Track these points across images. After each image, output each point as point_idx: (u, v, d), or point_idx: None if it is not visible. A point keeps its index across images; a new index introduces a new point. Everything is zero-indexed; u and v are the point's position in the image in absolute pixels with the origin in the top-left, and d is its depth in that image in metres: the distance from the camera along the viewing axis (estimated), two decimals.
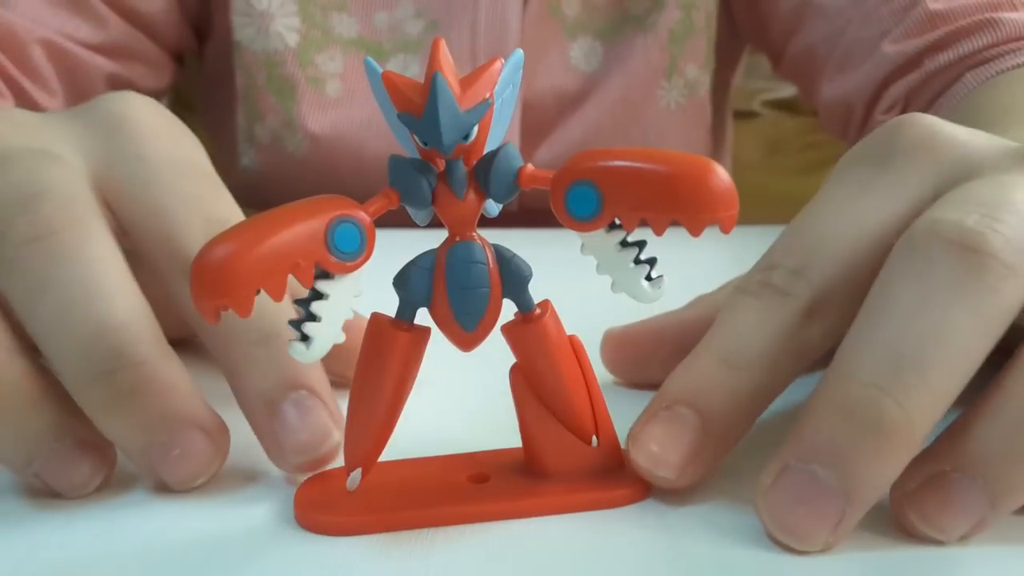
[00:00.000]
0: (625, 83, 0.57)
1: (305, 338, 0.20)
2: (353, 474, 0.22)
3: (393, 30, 0.56)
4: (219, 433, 0.23)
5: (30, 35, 0.48)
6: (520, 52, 0.21)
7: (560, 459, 0.23)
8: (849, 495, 0.20)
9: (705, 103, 0.59)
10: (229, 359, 0.24)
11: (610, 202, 0.20)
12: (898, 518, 0.21)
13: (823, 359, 0.22)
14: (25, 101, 0.48)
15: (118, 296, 0.23)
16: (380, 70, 0.20)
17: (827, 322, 0.23)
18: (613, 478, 0.23)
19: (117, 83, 0.53)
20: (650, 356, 0.28)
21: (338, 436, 0.23)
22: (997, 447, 0.20)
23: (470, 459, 0.24)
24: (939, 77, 0.47)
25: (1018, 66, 0.45)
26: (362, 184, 0.57)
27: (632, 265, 0.21)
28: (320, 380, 0.24)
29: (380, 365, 0.21)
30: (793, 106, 1.00)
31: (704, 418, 0.22)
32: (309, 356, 0.20)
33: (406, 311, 0.22)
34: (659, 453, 0.22)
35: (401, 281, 0.21)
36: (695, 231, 0.20)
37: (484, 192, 0.21)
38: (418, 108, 0.19)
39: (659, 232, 0.20)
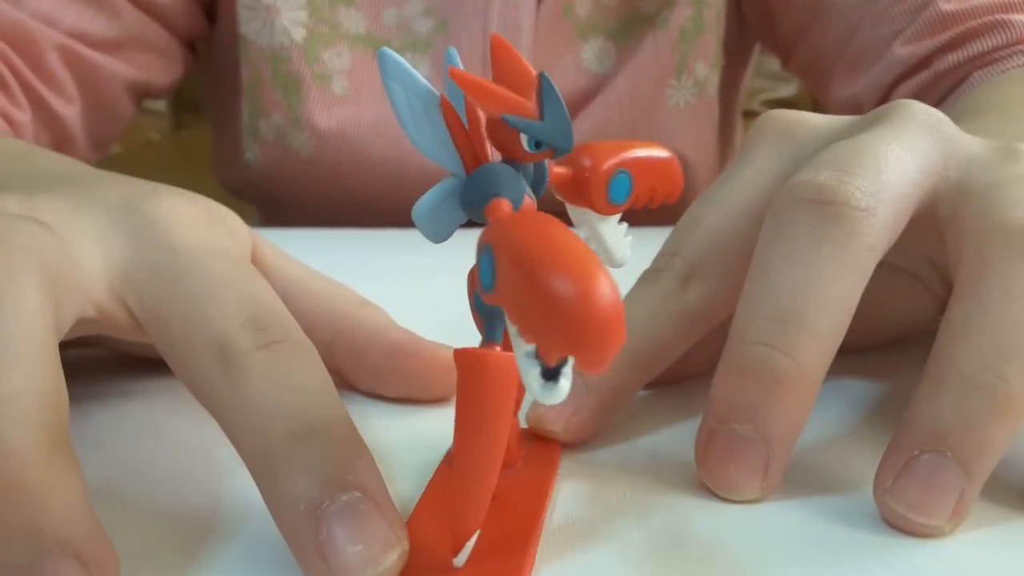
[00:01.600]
0: (634, 82, 0.57)
1: (555, 378, 0.17)
2: (467, 546, 0.20)
3: (402, 28, 0.55)
4: (99, 565, 0.17)
5: (48, 41, 0.47)
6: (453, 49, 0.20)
7: (518, 444, 0.24)
8: (768, 442, 0.22)
9: (714, 102, 0.59)
10: (262, 454, 0.19)
11: (637, 186, 0.23)
12: (887, 517, 0.22)
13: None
14: (43, 108, 0.48)
15: (20, 363, 0.18)
16: (402, 61, 0.19)
17: (703, 286, 0.26)
18: (539, 449, 0.25)
19: (135, 89, 0.53)
20: None
21: (401, 549, 0.19)
22: (951, 417, 0.21)
23: (448, 481, 0.23)
24: (947, 77, 0.48)
25: (1021, 66, 0.46)
26: (367, 186, 0.56)
27: (624, 234, 0.24)
28: (375, 478, 0.19)
29: (506, 403, 0.19)
30: (794, 105, 1.00)
31: (585, 379, 0.25)
32: (561, 396, 0.17)
33: (498, 332, 0.20)
34: (545, 413, 0.25)
35: None
36: (675, 200, 0.23)
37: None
38: (532, 110, 0.19)
39: (655, 205, 0.24)
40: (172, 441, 0.26)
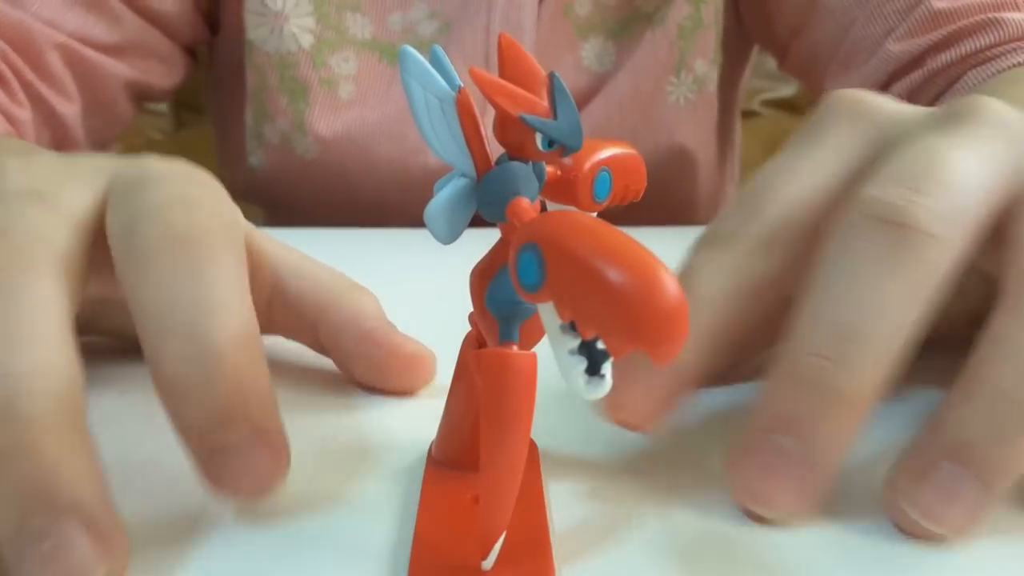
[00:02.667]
0: (634, 80, 0.57)
1: (599, 374, 0.18)
2: (496, 547, 0.20)
3: (407, 31, 0.55)
4: (108, 535, 0.18)
5: (48, 41, 0.48)
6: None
7: None
8: (812, 460, 0.21)
9: (713, 99, 0.59)
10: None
11: (615, 183, 0.23)
12: (895, 517, 0.22)
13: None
14: (43, 107, 0.48)
15: (38, 345, 0.20)
16: (422, 60, 0.19)
17: (774, 261, 0.25)
18: None
19: (134, 88, 0.53)
20: None
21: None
22: (980, 431, 0.21)
23: (440, 481, 0.23)
24: (941, 76, 0.48)
25: (1018, 64, 0.45)
26: (372, 186, 0.57)
27: None
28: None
29: (528, 401, 0.19)
30: (793, 105, 1.00)
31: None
32: (605, 391, 0.18)
33: (514, 331, 0.20)
34: (628, 401, 0.23)
35: (515, 299, 0.19)
36: (639, 198, 0.23)
37: None
38: (545, 110, 0.19)
39: (625, 203, 0.23)
40: (171, 438, 0.26)
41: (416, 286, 0.35)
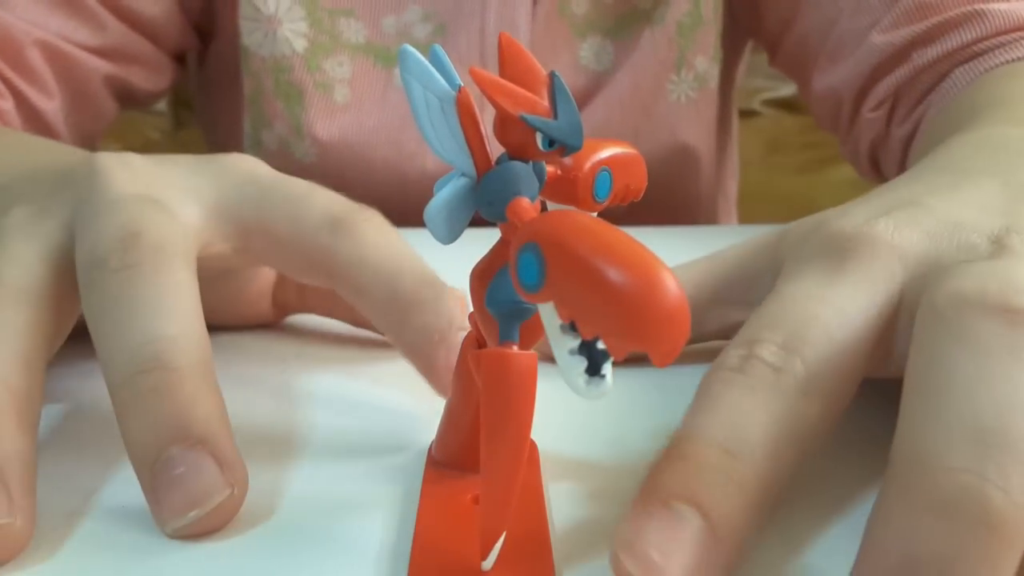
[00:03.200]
0: (634, 79, 0.57)
1: (599, 374, 0.17)
2: (496, 547, 0.19)
3: (401, 34, 0.55)
4: (233, 468, 0.22)
5: (27, 36, 0.48)
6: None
7: None
8: None
9: (714, 95, 0.59)
10: (392, 299, 0.26)
11: (615, 183, 0.23)
12: None
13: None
14: (23, 103, 0.48)
15: (179, 317, 0.23)
16: (423, 59, 0.19)
17: (824, 403, 0.21)
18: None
19: (115, 84, 0.53)
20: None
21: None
22: (930, 540, 0.17)
23: (440, 481, 0.23)
24: (927, 73, 0.47)
25: (1006, 62, 0.45)
26: (370, 190, 0.56)
27: None
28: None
29: (529, 402, 0.19)
30: (793, 105, 1.00)
31: (711, 519, 0.18)
32: (607, 391, 0.17)
33: (515, 331, 0.20)
34: (661, 562, 0.17)
35: (515, 299, 0.19)
36: (640, 197, 0.23)
37: None
38: (546, 109, 0.19)
39: (626, 202, 0.23)
40: None
41: None
